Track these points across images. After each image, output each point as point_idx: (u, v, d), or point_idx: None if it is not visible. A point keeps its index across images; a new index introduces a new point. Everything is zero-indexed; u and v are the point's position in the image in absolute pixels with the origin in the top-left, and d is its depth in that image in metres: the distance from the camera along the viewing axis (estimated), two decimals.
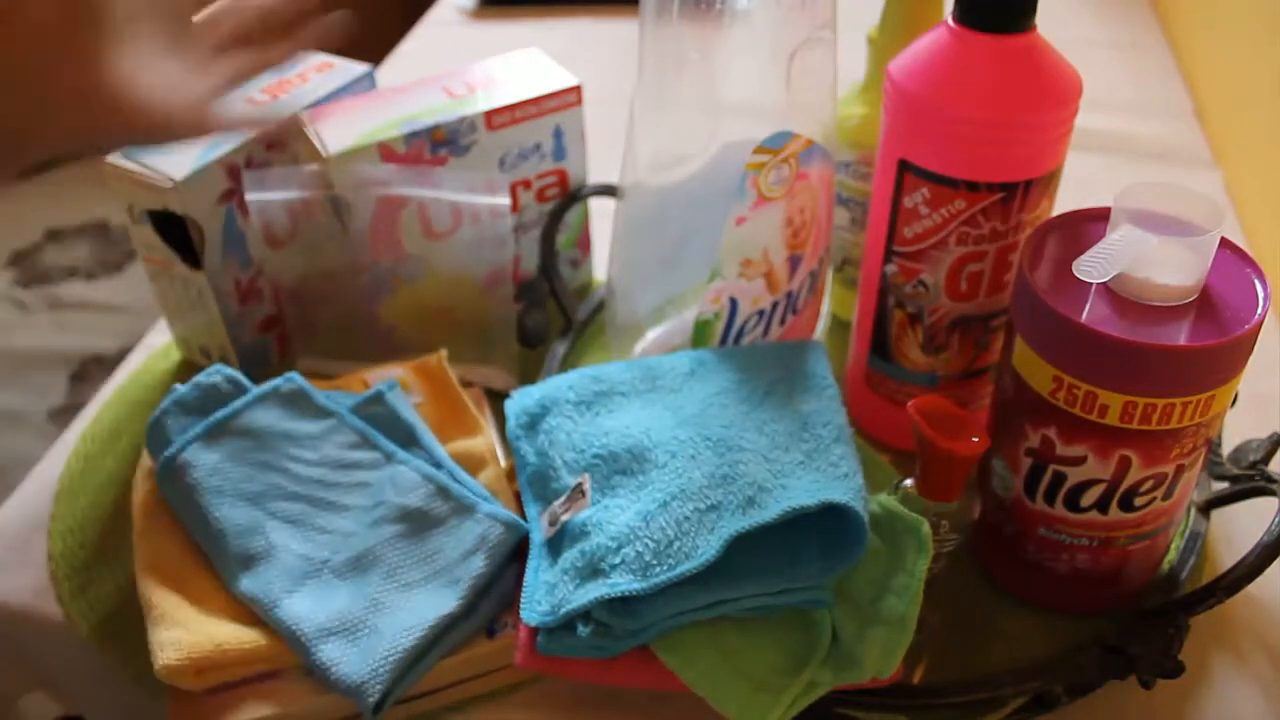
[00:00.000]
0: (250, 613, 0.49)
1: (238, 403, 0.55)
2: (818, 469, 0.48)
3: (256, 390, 0.56)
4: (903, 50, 0.51)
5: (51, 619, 0.55)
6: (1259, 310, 0.43)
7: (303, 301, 0.65)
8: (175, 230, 0.60)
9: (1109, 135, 0.92)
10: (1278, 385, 0.63)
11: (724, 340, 0.58)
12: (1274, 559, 0.48)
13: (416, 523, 0.52)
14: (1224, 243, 0.46)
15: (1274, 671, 0.50)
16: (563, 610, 0.45)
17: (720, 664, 0.45)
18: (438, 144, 0.62)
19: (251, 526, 0.51)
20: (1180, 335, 0.43)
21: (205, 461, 0.53)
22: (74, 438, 0.65)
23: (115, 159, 0.59)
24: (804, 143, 0.53)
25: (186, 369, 0.69)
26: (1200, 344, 0.42)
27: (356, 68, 0.68)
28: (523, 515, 0.52)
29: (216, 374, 0.56)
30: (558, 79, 0.66)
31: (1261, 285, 0.45)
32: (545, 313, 0.69)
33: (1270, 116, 0.82)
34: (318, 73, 0.67)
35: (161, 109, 0.44)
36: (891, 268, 0.55)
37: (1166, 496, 0.47)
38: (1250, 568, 0.48)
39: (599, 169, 0.71)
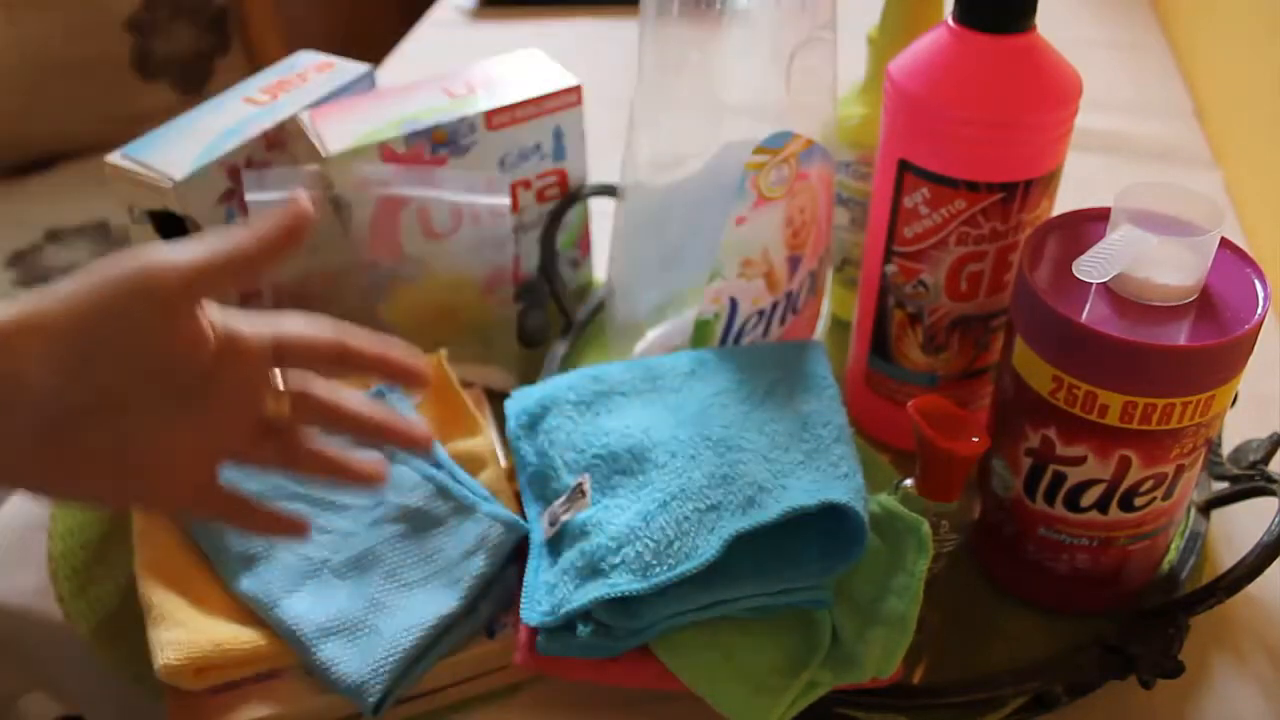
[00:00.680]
0: (250, 613, 0.49)
1: None
2: (818, 469, 0.48)
3: None
4: (903, 50, 0.51)
5: (51, 619, 0.55)
6: (1259, 310, 0.43)
7: (303, 301, 0.65)
8: (175, 230, 0.60)
9: (1109, 135, 0.92)
10: (1278, 385, 0.63)
11: (724, 340, 0.58)
12: (1274, 559, 0.48)
13: (417, 523, 0.52)
14: (1224, 243, 0.46)
15: (1274, 671, 0.50)
16: (563, 610, 0.45)
17: (720, 664, 0.45)
18: (438, 144, 0.62)
19: None
20: (1180, 335, 0.43)
21: None
22: None
23: (115, 159, 0.59)
24: (804, 143, 0.53)
25: None
26: (1200, 344, 0.42)
27: (356, 68, 0.68)
28: (523, 515, 0.52)
29: None
30: (558, 79, 0.66)
31: (1261, 285, 0.45)
32: (545, 313, 0.69)
33: (1270, 116, 0.82)
34: (318, 73, 0.67)
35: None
36: (891, 268, 0.55)
37: (1166, 496, 0.47)
38: (1250, 568, 0.48)
39: (599, 169, 0.70)
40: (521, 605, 0.47)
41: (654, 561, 0.44)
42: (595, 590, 0.44)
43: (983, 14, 0.48)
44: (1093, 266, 0.42)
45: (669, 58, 0.52)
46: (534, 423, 0.54)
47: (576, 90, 0.66)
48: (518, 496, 0.54)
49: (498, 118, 0.63)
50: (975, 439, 0.47)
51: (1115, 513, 0.47)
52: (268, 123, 0.62)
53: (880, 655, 0.44)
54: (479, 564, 0.49)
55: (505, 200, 0.61)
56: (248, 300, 0.65)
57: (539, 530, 0.50)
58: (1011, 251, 0.52)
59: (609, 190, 0.69)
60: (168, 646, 0.46)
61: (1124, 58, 1.06)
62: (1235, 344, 0.42)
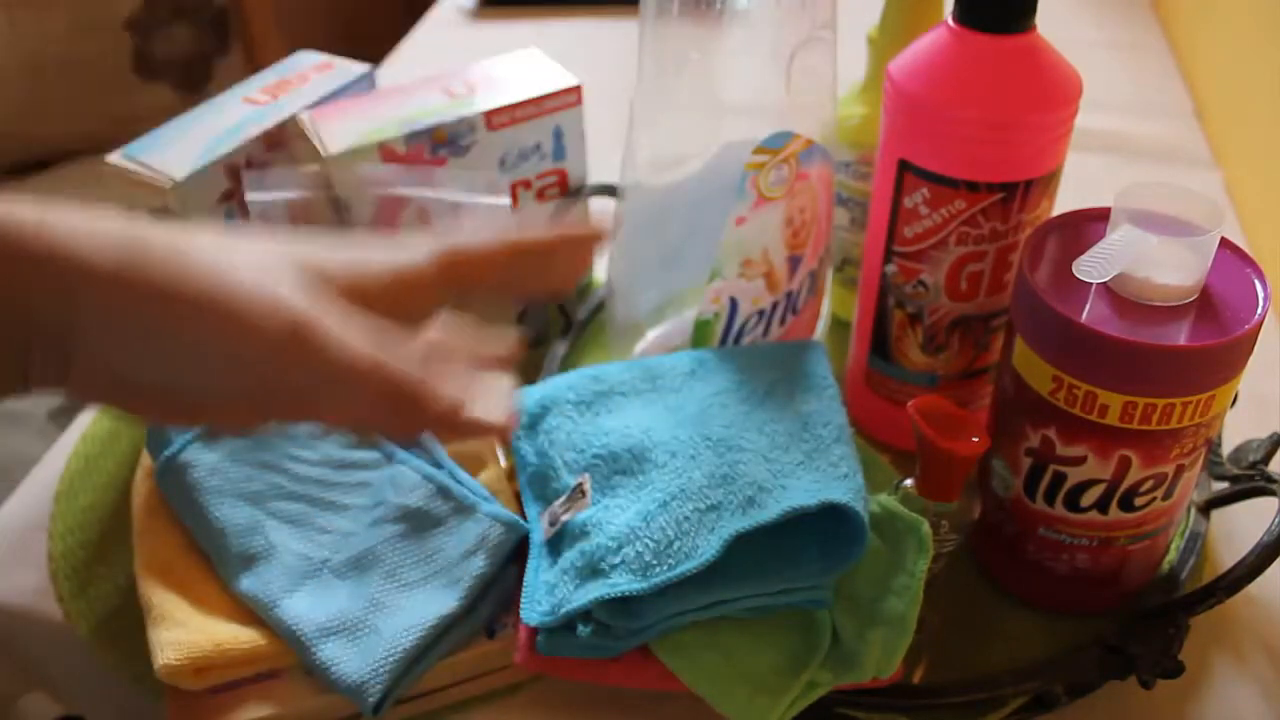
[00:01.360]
0: (250, 613, 0.49)
1: None
2: (818, 469, 0.48)
3: None
4: (903, 50, 0.51)
5: (51, 619, 0.55)
6: (1259, 310, 0.43)
7: None
8: None
9: (1109, 135, 0.92)
10: (1278, 385, 0.63)
11: (724, 340, 0.58)
12: (1274, 559, 0.48)
13: (417, 523, 0.52)
14: (1224, 243, 0.46)
15: (1274, 671, 0.50)
16: (563, 610, 0.45)
17: (720, 664, 0.45)
18: (438, 144, 0.62)
19: (251, 526, 0.51)
20: (1180, 335, 0.43)
21: (205, 461, 0.53)
22: (74, 438, 0.65)
23: (115, 159, 0.59)
24: (804, 143, 0.53)
25: None
26: (1200, 344, 0.42)
27: (356, 68, 0.68)
28: (523, 515, 0.52)
29: None
30: (558, 79, 0.66)
31: (1261, 285, 0.45)
32: (545, 313, 0.69)
33: (1270, 116, 0.82)
34: (318, 73, 0.67)
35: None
36: (891, 268, 0.55)
37: (1166, 496, 0.47)
38: (1250, 568, 0.48)
39: (599, 169, 0.70)
40: (521, 605, 0.47)
41: (654, 561, 0.44)
42: (595, 590, 0.44)
43: (983, 14, 0.48)
44: (1093, 266, 0.42)
45: (669, 58, 0.52)
46: (534, 422, 0.54)
47: (576, 90, 0.66)
48: (518, 496, 0.54)
49: (498, 118, 0.63)
50: (975, 439, 0.47)
51: (1115, 513, 0.47)
52: (268, 123, 0.62)
53: (880, 655, 0.44)
54: (479, 564, 0.49)
55: (505, 200, 0.61)
56: None
57: (539, 530, 0.50)
58: (1011, 251, 0.52)
59: (609, 190, 0.69)
60: (168, 646, 0.46)
61: (1124, 58, 1.06)
62: (1235, 344, 0.42)
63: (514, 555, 0.51)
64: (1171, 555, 0.54)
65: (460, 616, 0.48)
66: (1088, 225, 0.48)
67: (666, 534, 0.45)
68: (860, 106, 0.62)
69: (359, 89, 0.68)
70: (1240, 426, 0.58)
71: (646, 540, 0.45)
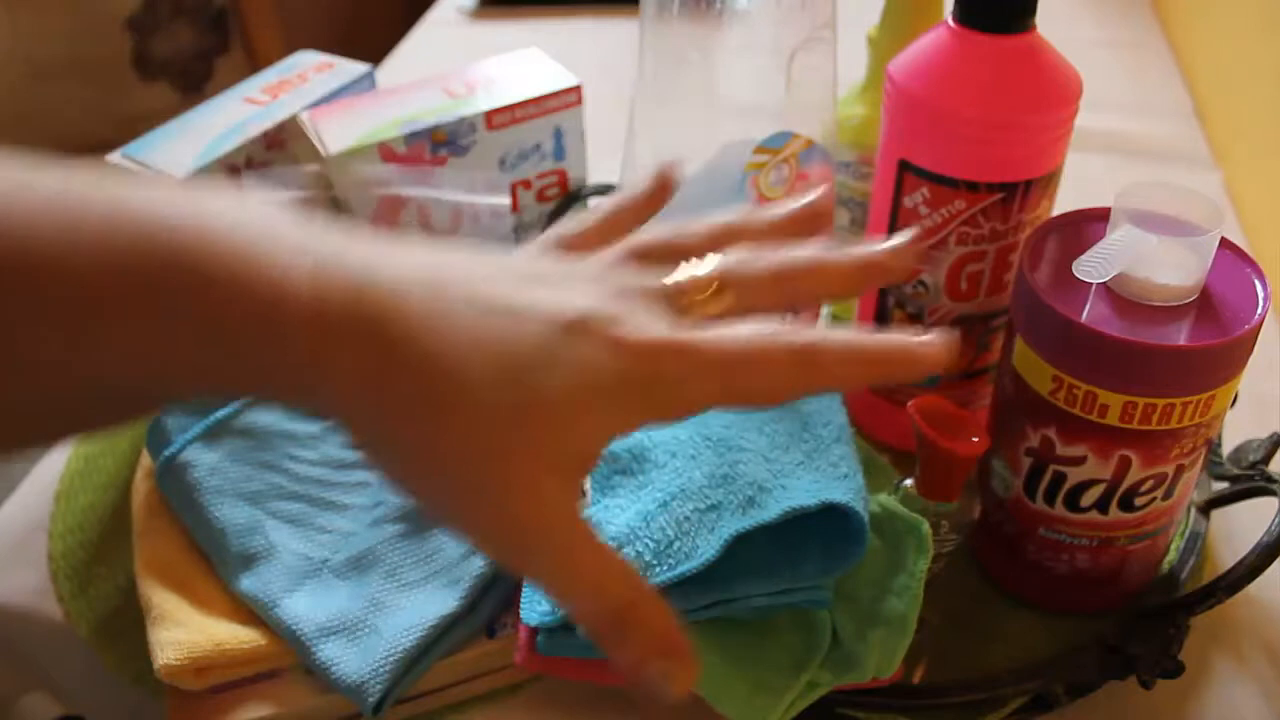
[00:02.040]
0: (250, 613, 0.49)
1: (238, 402, 0.55)
2: (818, 469, 0.48)
3: None
4: (903, 50, 0.51)
5: (51, 619, 0.55)
6: (1259, 310, 0.43)
7: None
8: None
9: (1109, 135, 0.92)
10: (1278, 385, 0.63)
11: None
12: (1274, 559, 0.48)
13: (417, 522, 0.52)
14: (1224, 243, 0.46)
15: (1274, 671, 0.50)
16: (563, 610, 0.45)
17: (720, 664, 0.45)
18: (438, 144, 0.62)
19: (251, 526, 0.51)
20: (1180, 335, 0.43)
21: (205, 461, 0.53)
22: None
23: (115, 159, 0.59)
24: (804, 143, 0.53)
25: None
26: (1200, 344, 0.42)
27: (356, 68, 0.68)
28: None
29: None
30: (558, 79, 0.66)
31: (1261, 285, 0.45)
32: None
33: (1270, 116, 0.82)
34: (318, 73, 0.67)
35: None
36: None
37: (1166, 496, 0.47)
38: (1250, 568, 0.48)
39: (599, 169, 0.70)
40: (521, 605, 0.47)
41: (654, 561, 0.44)
42: None
43: (983, 14, 0.47)
44: (1093, 266, 0.42)
45: (669, 58, 0.52)
46: None
47: (576, 90, 0.66)
48: None
49: (498, 117, 0.63)
50: (975, 439, 0.47)
51: (1115, 513, 0.47)
52: (268, 123, 0.62)
53: (880, 655, 0.44)
54: (479, 564, 0.49)
55: (505, 200, 0.61)
56: None
57: None
58: (1011, 251, 0.52)
59: (609, 190, 0.69)
60: (168, 646, 0.46)
61: (1124, 58, 1.06)
62: (1235, 344, 0.42)
63: None
64: (1171, 555, 0.54)
65: (460, 616, 0.48)
66: (1088, 225, 0.48)
67: (666, 534, 0.45)
68: (860, 106, 0.62)
69: (359, 89, 0.68)
70: (1240, 426, 0.58)
71: (646, 540, 0.45)
